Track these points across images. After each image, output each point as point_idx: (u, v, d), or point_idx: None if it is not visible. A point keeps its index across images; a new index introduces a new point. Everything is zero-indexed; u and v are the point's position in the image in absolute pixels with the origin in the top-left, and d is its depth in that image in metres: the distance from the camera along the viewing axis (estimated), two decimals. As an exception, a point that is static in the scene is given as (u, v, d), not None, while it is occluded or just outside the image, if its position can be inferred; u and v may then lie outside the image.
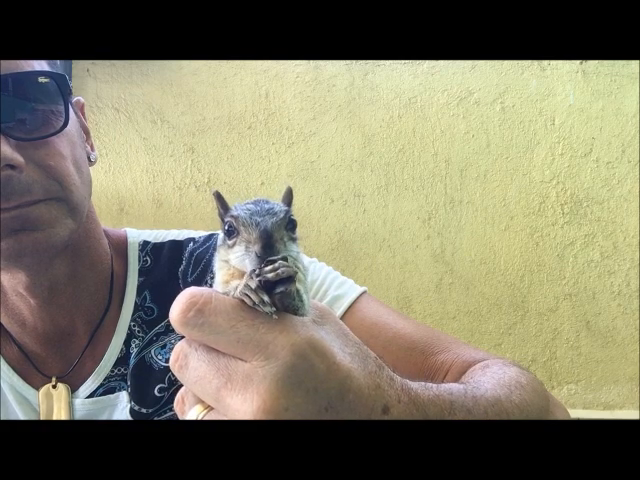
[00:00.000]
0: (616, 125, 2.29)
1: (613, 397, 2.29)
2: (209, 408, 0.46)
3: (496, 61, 2.31)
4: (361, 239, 2.35)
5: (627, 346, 2.28)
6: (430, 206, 2.34)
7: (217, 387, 0.43)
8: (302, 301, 0.47)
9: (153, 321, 0.87)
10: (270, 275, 0.43)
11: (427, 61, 2.33)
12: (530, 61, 2.31)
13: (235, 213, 0.48)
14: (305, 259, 0.92)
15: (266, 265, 0.44)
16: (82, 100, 0.87)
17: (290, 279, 0.44)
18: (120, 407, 0.84)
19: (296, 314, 0.46)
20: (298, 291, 0.46)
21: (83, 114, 0.87)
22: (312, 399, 0.43)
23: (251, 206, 0.48)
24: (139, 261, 0.90)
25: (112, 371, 0.85)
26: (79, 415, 0.84)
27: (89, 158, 0.84)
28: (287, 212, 0.48)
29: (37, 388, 0.83)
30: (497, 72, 2.33)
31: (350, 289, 0.88)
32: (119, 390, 0.85)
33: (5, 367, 0.84)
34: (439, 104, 2.34)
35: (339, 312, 0.84)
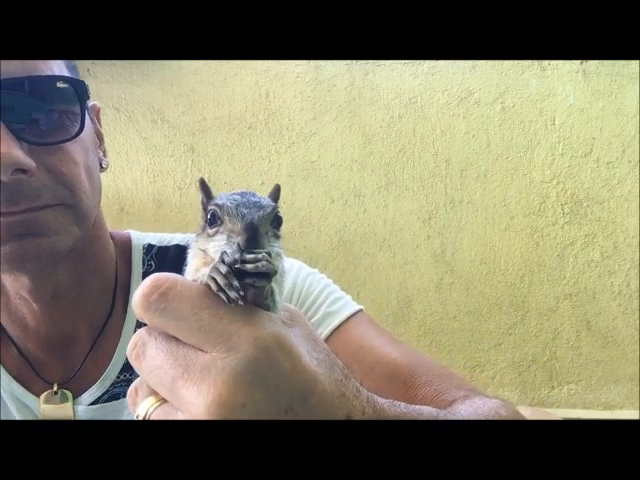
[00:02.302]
0: (616, 125, 2.29)
1: (613, 397, 2.29)
2: (162, 401, 0.44)
3: (496, 61, 2.31)
4: (361, 239, 2.35)
5: (627, 346, 2.28)
6: (430, 206, 2.34)
7: (173, 377, 0.41)
8: (274, 301, 0.45)
9: None
10: (250, 266, 0.41)
11: (427, 61, 2.33)
12: (530, 61, 2.31)
13: (220, 202, 0.45)
14: (305, 270, 0.90)
15: (248, 254, 0.42)
16: (98, 105, 0.86)
17: (267, 276, 0.42)
18: (126, 413, 0.82)
19: None
20: (272, 291, 0.44)
21: (98, 119, 0.85)
22: (273, 397, 0.40)
23: (237, 197, 0.46)
24: (143, 265, 0.89)
25: (118, 377, 0.83)
26: None
27: (100, 164, 0.82)
28: (274, 207, 0.46)
29: (38, 395, 0.81)
30: (497, 72, 2.33)
31: (343, 307, 0.85)
32: (124, 396, 0.83)
33: (5, 375, 0.82)
34: (439, 104, 2.34)
35: (327, 331, 0.82)
